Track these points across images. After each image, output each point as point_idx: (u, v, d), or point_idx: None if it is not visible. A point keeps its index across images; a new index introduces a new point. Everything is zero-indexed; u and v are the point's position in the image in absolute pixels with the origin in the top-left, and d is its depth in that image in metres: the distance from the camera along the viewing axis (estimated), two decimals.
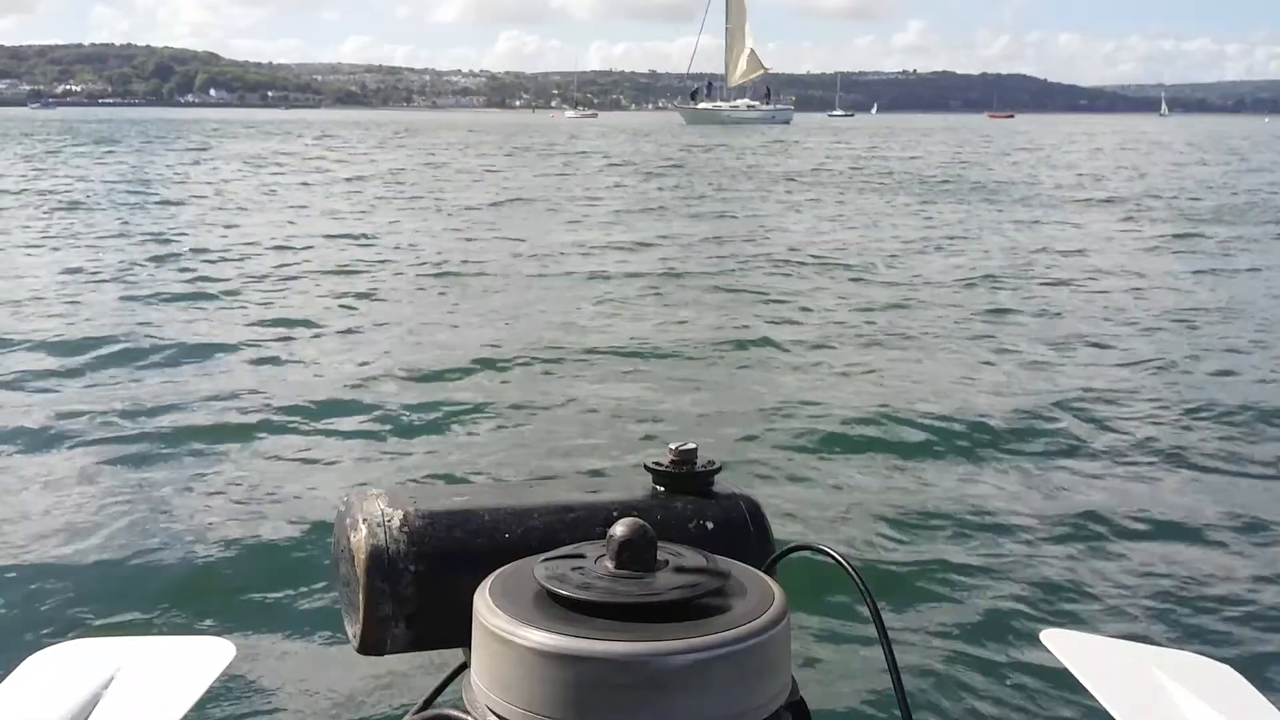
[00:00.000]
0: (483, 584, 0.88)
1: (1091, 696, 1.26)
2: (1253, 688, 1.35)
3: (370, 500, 0.98)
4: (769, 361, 8.62)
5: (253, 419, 6.69)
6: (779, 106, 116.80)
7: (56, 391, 7.42)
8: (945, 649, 4.03)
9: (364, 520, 0.96)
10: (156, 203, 21.83)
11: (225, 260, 13.87)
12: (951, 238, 17.41)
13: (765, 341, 9.28)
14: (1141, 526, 5.27)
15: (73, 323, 9.72)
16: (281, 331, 9.47)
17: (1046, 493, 5.69)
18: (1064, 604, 4.45)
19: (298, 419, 6.72)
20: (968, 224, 19.61)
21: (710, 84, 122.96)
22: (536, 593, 0.85)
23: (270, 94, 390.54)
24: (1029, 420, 6.83)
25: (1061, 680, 3.57)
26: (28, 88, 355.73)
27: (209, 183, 27.73)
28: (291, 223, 18.51)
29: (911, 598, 4.40)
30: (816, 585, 4.02)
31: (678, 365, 8.36)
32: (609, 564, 0.87)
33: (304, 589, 4.37)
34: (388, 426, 6.63)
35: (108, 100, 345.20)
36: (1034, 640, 3.61)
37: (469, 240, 16.52)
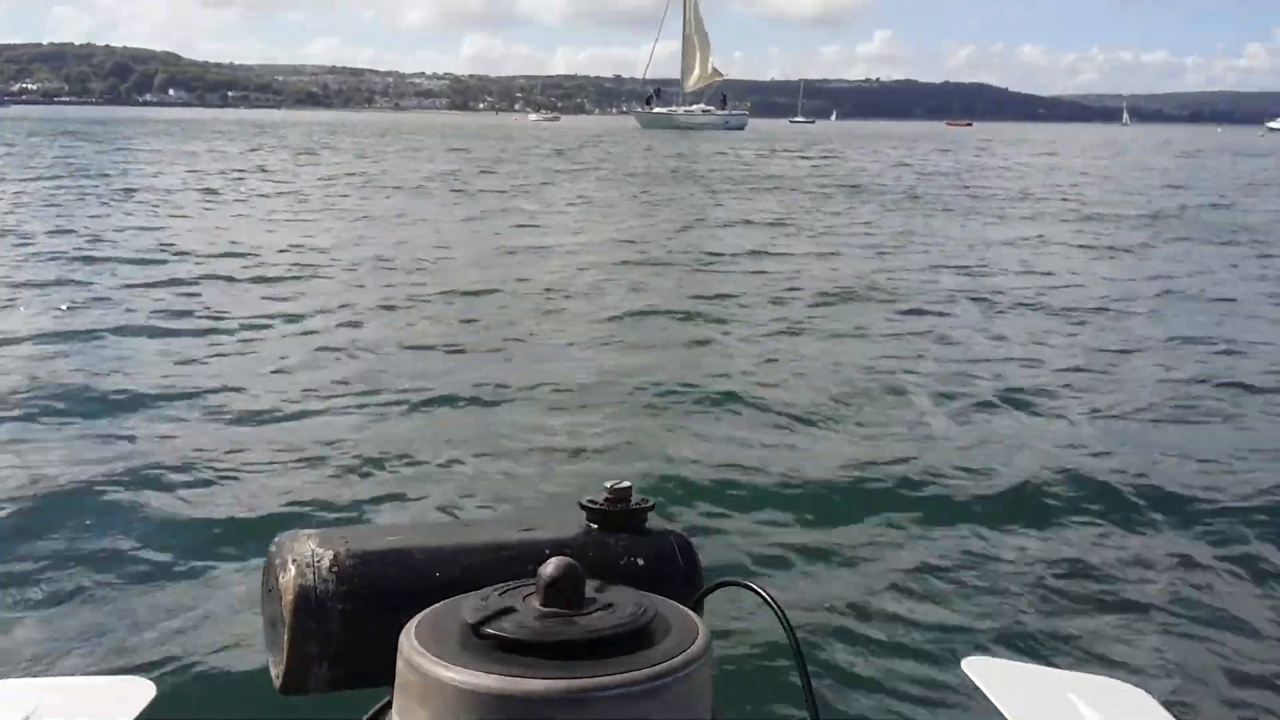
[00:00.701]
0: (409, 624, 0.88)
1: None
2: (1164, 710, 1.39)
3: (301, 541, 0.99)
4: (712, 399, 8.42)
5: (172, 455, 6.40)
6: (733, 112, 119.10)
7: None
8: (866, 679, 4.05)
9: (293, 561, 0.96)
10: None
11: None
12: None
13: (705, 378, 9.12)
14: (1054, 554, 5.31)
15: None
16: (194, 355, 9.05)
17: (964, 526, 5.67)
18: (984, 632, 4.47)
19: (221, 453, 6.45)
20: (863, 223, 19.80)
21: (658, 90, 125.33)
22: (463, 632, 0.85)
23: (231, 94, 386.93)
24: (947, 458, 6.72)
25: (981, 707, 3.58)
26: None
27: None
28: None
29: (832, 630, 4.40)
30: (745, 619, 4.03)
31: (623, 399, 8.08)
32: (537, 603, 0.88)
33: (226, 627, 4.29)
34: (320, 461, 6.39)
35: (63, 99, 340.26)
36: (955, 668, 3.64)
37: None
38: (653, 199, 27.54)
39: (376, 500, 5.82)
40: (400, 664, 0.85)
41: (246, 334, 9.90)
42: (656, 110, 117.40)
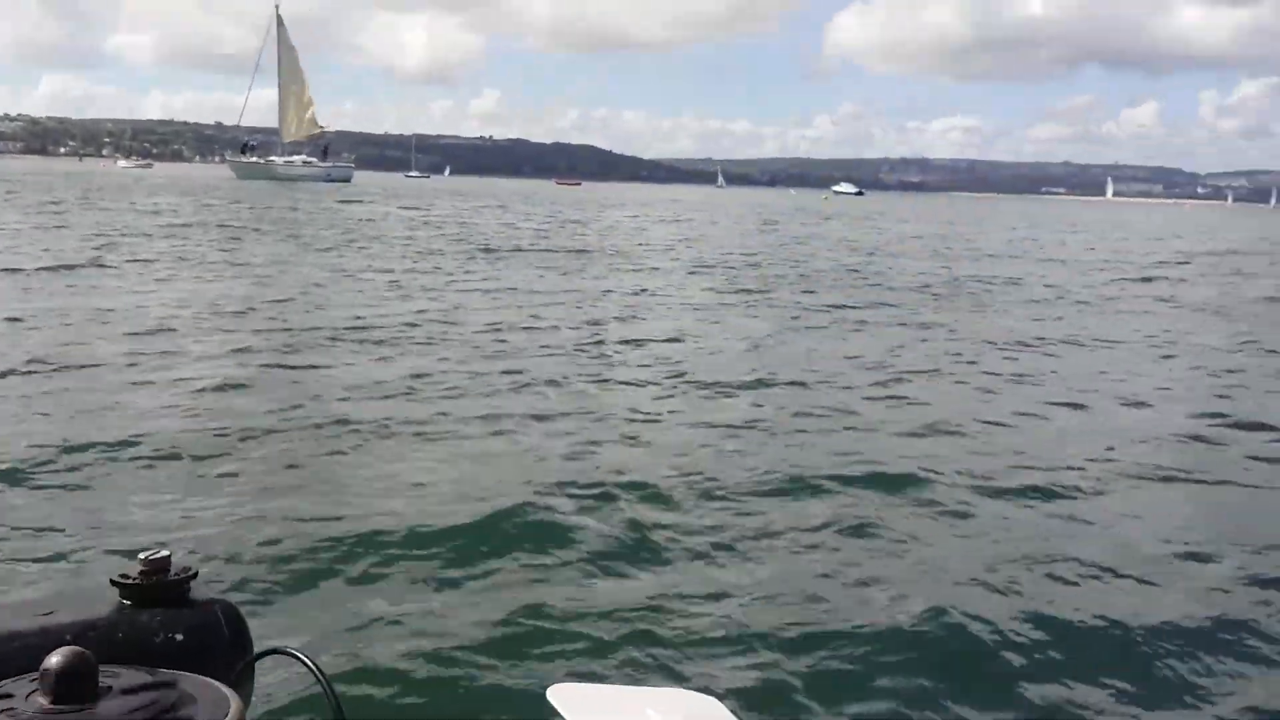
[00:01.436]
0: None
1: None
2: (730, 714, 1.48)
3: None
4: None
5: None
6: (336, 164, 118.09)
7: None
8: None
9: None
10: None
11: None
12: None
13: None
14: (636, 577, 5.43)
15: None
16: None
17: (533, 550, 5.67)
18: (571, 660, 4.42)
19: None
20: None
21: (250, 142, 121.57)
22: None
23: None
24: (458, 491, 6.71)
25: None
26: None
27: None
28: None
29: (396, 683, 4.14)
30: (298, 686, 3.65)
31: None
32: (43, 700, 0.80)
33: None
34: None
35: None
36: (540, 698, 3.50)
37: None
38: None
39: None
40: None
41: None
42: (254, 160, 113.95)
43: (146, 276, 18.73)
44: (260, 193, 70.56)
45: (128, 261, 21.02)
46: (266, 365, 10.79)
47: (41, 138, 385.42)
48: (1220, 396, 11.37)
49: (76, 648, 0.82)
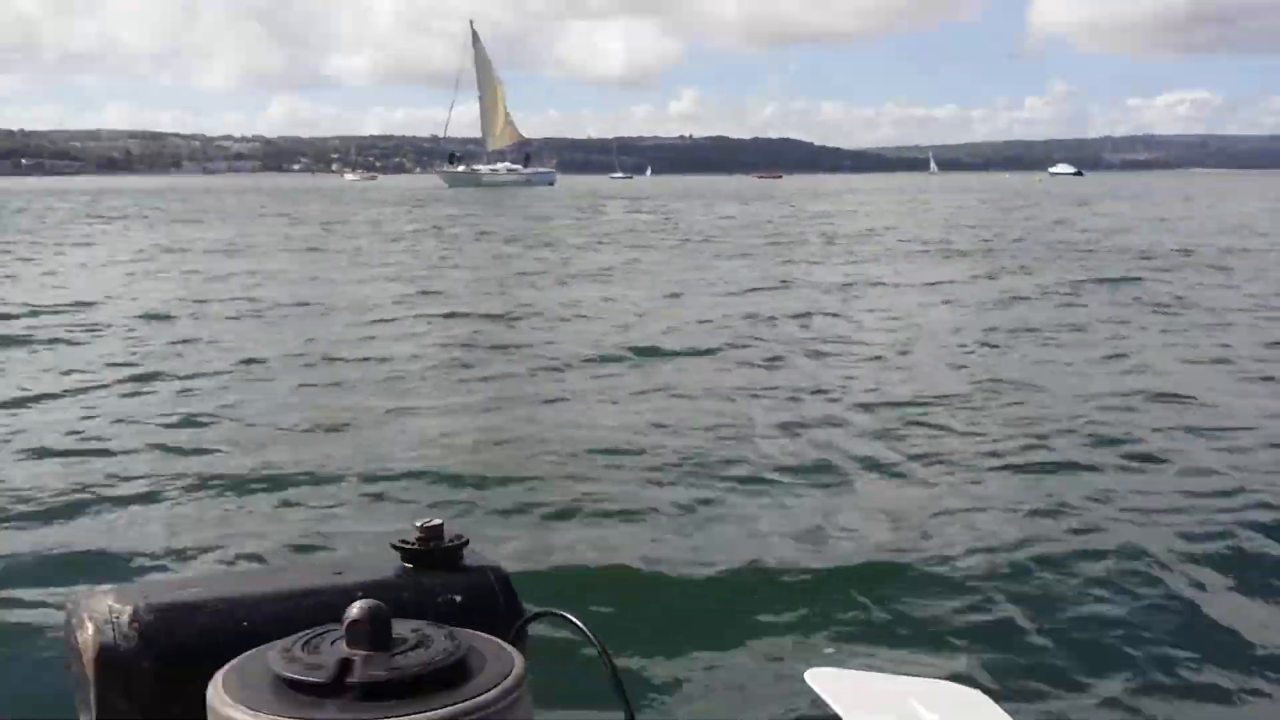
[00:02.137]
0: (216, 675, 0.87)
1: None
2: (999, 708, 1.45)
3: (97, 598, 0.97)
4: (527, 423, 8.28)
5: None
6: (539, 170, 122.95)
7: None
8: (695, 700, 3.89)
9: (90, 619, 0.95)
10: None
11: None
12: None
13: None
14: (893, 562, 5.36)
15: None
16: None
17: (794, 536, 5.64)
18: (822, 641, 4.42)
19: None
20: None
21: (454, 153, 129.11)
22: (272, 680, 0.85)
23: (25, 161, 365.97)
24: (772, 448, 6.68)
25: (826, 715, 3.47)
26: None
27: None
28: None
29: (657, 652, 4.24)
30: (565, 648, 3.81)
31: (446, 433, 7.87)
32: (344, 646, 0.87)
33: (34, 689, 3.95)
34: (117, 518, 6.02)
35: None
36: (798, 680, 3.52)
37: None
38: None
39: (181, 551, 5.48)
40: (210, 716, 0.84)
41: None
42: (460, 170, 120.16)
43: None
44: (480, 199, 72.95)
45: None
46: None
47: (276, 156, 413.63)
48: None
49: (373, 600, 0.89)
